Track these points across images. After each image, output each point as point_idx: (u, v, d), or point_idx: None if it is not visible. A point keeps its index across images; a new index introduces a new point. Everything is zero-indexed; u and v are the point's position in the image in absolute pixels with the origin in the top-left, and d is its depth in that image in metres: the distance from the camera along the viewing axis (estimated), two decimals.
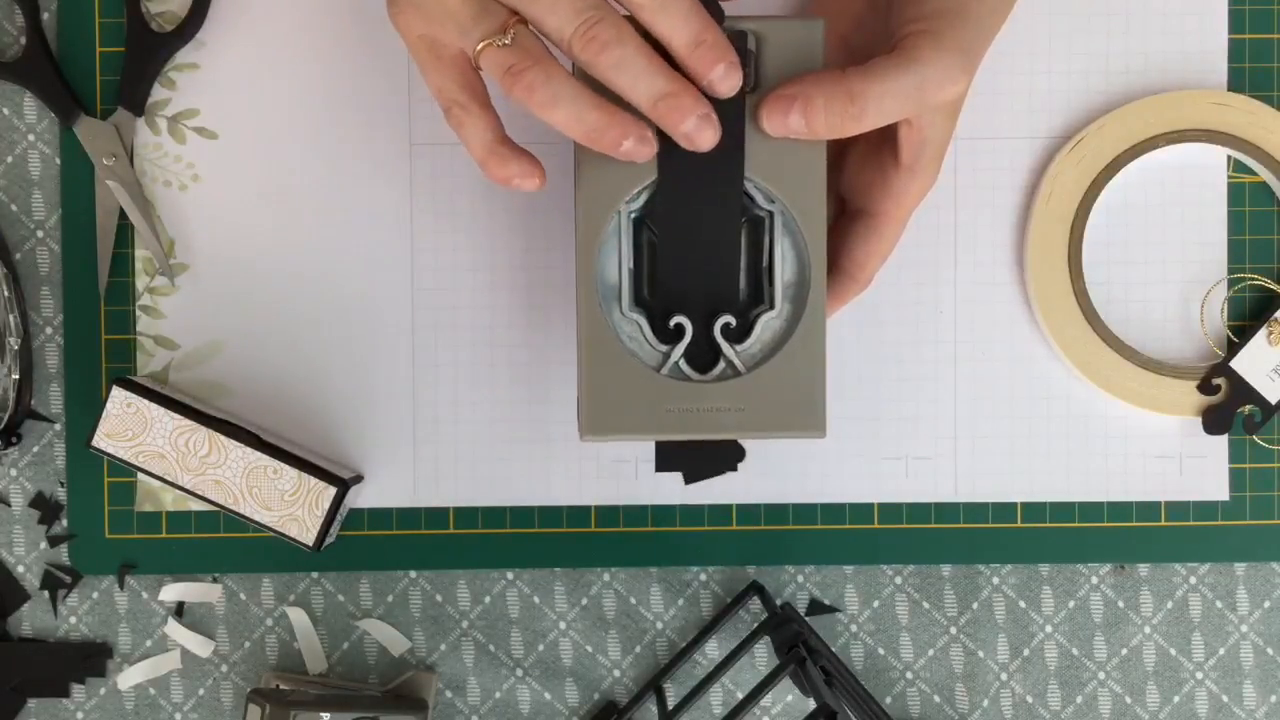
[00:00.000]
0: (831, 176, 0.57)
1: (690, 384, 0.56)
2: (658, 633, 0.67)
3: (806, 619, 0.67)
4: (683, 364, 0.57)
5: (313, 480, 0.63)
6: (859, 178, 0.59)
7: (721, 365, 0.57)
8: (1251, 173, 0.66)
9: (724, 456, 0.59)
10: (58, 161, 0.66)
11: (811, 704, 0.61)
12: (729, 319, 0.57)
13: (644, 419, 0.56)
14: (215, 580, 0.67)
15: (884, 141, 0.57)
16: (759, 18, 0.55)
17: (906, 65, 0.53)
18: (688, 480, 0.60)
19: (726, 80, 0.52)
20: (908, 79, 0.53)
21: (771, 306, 0.57)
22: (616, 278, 0.56)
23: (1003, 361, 0.66)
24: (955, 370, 0.66)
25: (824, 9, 0.61)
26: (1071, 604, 0.67)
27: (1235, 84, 0.66)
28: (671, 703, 0.66)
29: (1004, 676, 0.67)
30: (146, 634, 0.67)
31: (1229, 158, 0.66)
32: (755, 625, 0.65)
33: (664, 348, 0.57)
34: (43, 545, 0.67)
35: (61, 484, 0.67)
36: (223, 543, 0.66)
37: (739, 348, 0.57)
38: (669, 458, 0.59)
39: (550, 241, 0.66)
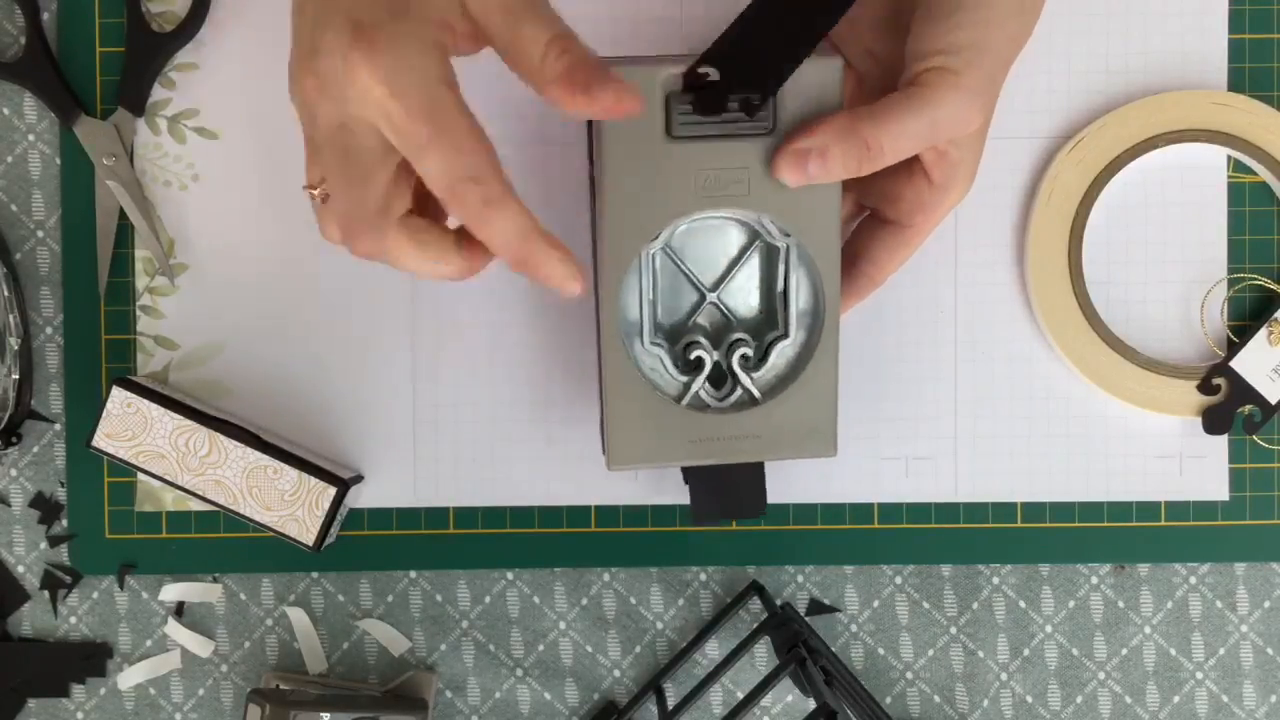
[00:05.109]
0: (851, 183, 0.57)
1: (709, 414, 0.59)
2: (658, 633, 0.67)
3: (806, 619, 0.67)
4: (702, 392, 0.59)
5: (313, 480, 0.63)
6: (888, 190, 0.58)
7: (739, 392, 0.59)
8: (1251, 173, 0.66)
9: (749, 503, 0.61)
10: (58, 161, 0.66)
11: (811, 704, 0.61)
12: (747, 351, 0.59)
13: (666, 448, 0.59)
14: (215, 580, 0.67)
15: (914, 159, 0.56)
16: None
17: (920, 107, 0.53)
18: (713, 520, 0.62)
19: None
20: (921, 121, 0.53)
21: (786, 334, 0.58)
22: (637, 313, 0.58)
23: (1003, 361, 0.66)
24: (955, 370, 0.66)
25: (848, 26, 0.59)
26: (1071, 604, 0.67)
27: (1235, 84, 0.66)
28: (671, 703, 0.66)
29: (1004, 676, 0.67)
30: (146, 634, 0.67)
31: (1229, 158, 0.66)
32: (755, 625, 0.65)
33: (684, 378, 0.59)
34: (43, 545, 0.67)
35: (61, 484, 0.67)
36: (223, 543, 0.66)
37: (755, 375, 0.59)
38: (702, 511, 0.61)
39: None
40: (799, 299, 0.58)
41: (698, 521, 0.61)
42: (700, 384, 0.59)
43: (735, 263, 0.59)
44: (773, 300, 0.59)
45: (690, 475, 0.61)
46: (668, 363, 0.59)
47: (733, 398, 0.59)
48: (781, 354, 0.59)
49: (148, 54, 0.65)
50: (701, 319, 0.60)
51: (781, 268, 0.58)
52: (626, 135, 0.55)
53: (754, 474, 0.61)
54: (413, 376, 0.66)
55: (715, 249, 0.59)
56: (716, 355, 0.59)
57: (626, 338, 0.58)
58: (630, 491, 0.67)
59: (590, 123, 0.57)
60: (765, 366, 0.59)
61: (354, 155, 0.49)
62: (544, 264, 0.49)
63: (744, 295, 0.59)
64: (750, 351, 0.59)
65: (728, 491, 0.61)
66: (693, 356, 0.58)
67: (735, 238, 0.58)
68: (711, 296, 0.59)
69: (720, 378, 0.59)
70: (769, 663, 0.67)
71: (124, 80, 0.65)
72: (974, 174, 0.57)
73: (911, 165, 0.56)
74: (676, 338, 0.59)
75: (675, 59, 0.55)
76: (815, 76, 0.55)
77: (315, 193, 0.52)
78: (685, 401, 0.59)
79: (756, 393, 0.59)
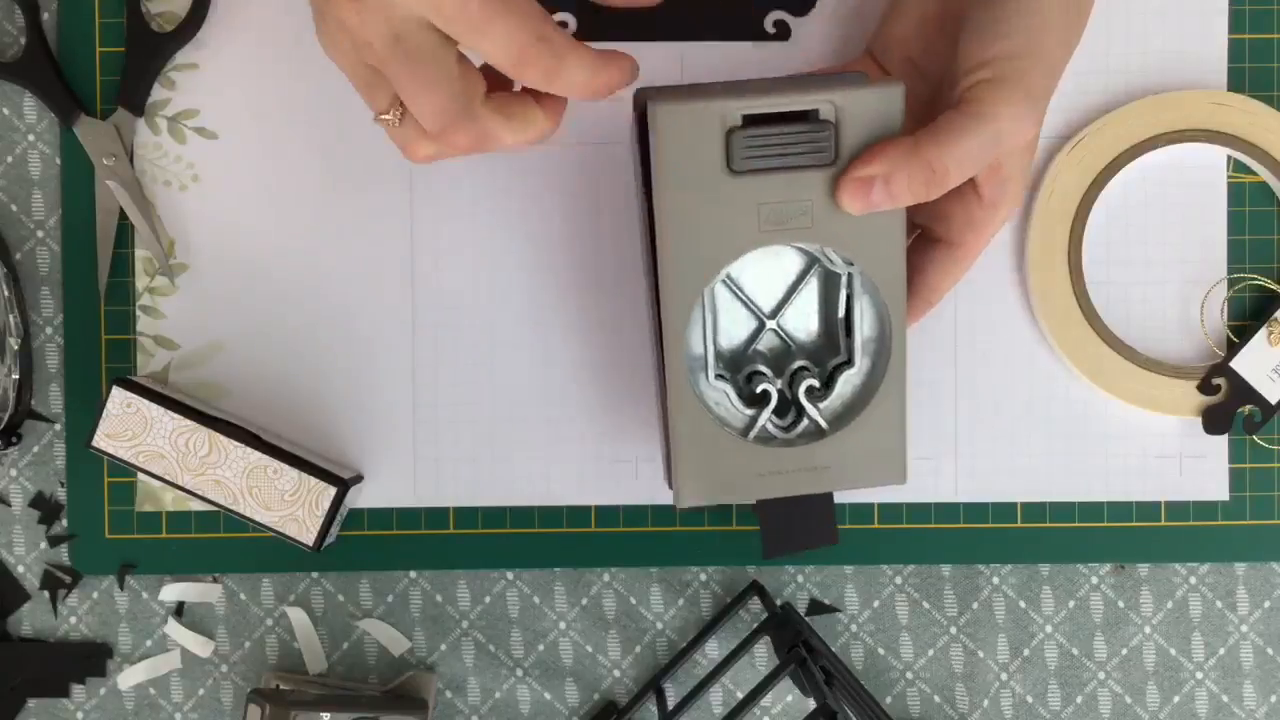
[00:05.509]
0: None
1: (775, 447, 0.57)
2: (658, 633, 0.67)
3: (806, 619, 0.67)
4: (769, 423, 0.58)
5: (313, 480, 0.63)
6: (938, 210, 0.57)
7: (805, 422, 0.58)
8: (1251, 173, 0.66)
9: (819, 531, 0.60)
10: (58, 161, 0.66)
11: (811, 704, 0.61)
12: (813, 382, 0.58)
13: (735, 484, 0.58)
14: (215, 580, 0.67)
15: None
16: (836, 81, 0.54)
17: (977, 124, 0.52)
18: (783, 552, 0.62)
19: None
20: (983, 137, 0.52)
21: (851, 363, 0.57)
22: (701, 348, 0.57)
23: (1003, 361, 0.66)
24: (955, 370, 0.66)
25: (890, 36, 0.60)
26: (1071, 604, 0.67)
27: (1235, 84, 0.66)
28: (671, 703, 0.66)
29: (1004, 676, 0.67)
30: (146, 634, 0.67)
31: (1229, 158, 0.66)
32: (755, 625, 0.65)
33: (749, 411, 0.58)
34: (43, 545, 0.67)
35: (61, 484, 0.67)
36: (223, 543, 0.66)
37: (821, 405, 0.58)
38: (774, 545, 0.60)
39: (551, 240, 0.66)
40: (863, 327, 0.57)
41: (769, 556, 0.60)
42: (766, 417, 0.58)
43: (793, 288, 0.58)
44: (833, 324, 0.58)
45: (760, 509, 0.59)
46: (733, 396, 0.58)
47: (799, 428, 0.58)
48: (847, 382, 0.58)
49: (148, 54, 0.65)
50: (760, 345, 0.59)
51: (843, 295, 0.57)
52: (685, 170, 0.53)
53: (824, 503, 0.59)
54: (413, 376, 0.66)
55: (772, 274, 0.58)
56: (780, 385, 0.58)
57: (691, 373, 0.57)
58: (630, 491, 0.67)
59: (643, 155, 0.55)
60: (831, 395, 0.58)
61: (419, 57, 0.49)
62: (617, 82, 0.51)
63: (803, 320, 0.59)
64: (816, 382, 0.58)
65: (798, 523, 0.59)
66: (758, 390, 0.57)
67: (792, 263, 0.58)
68: (771, 323, 0.58)
69: (784, 406, 0.58)
70: (769, 663, 0.67)
71: (124, 80, 0.65)
72: (1024, 188, 0.56)
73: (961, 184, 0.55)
74: (737, 365, 0.59)
75: (736, 90, 0.54)
76: (876, 104, 0.53)
77: (388, 116, 0.52)
78: (752, 435, 0.58)
79: (824, 423, 0.58)
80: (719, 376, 0.57)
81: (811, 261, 0.57)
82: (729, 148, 0.53)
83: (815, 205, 0.54)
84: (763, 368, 0.58)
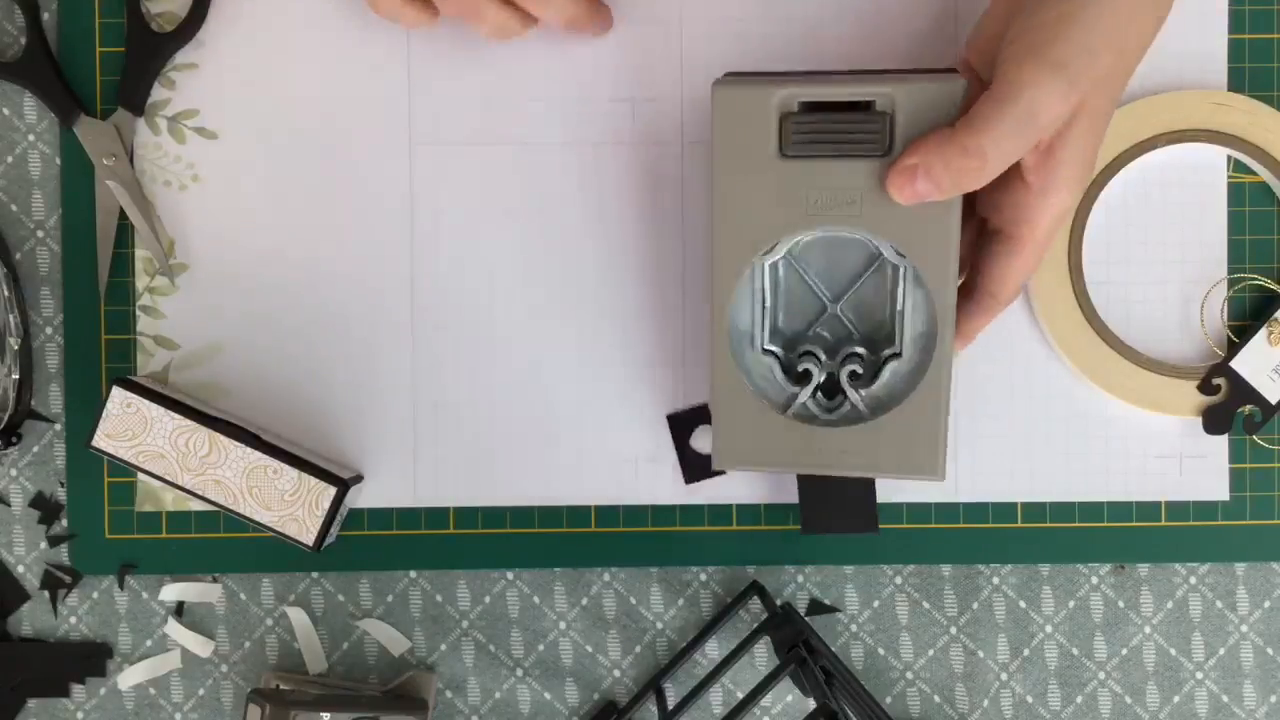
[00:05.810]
0: (973, 194, 0.56)
1: (816, 426, 0.59)
2: (658, 633, 0.67)
3: (806, 619, 0.67)
4: (810, 401, 0.59)
5: (313, 480, 0.63)
6: (992, 199, 0.57)
7: (847, 406, 0.59)
8: (1251, 173, 0.66)
9: (860, 518, 0.63)
10: (58, 161, 0.66)
11: (811, 704, 0.61)
12: (856, 367, 0.59)
13: (770, 454, 0.59)
14: (215, 580, 0.67)
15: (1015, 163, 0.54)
16: (900, 75, 0.55)
17: (1005, 101, 0.51)
18: (820, 530, 0.63)
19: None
20: (1015, 113, 0.51)
21: (900, 354, 0.59)
22: (749, 321, 0.59)
23: (1003, 361, 0.66)
24: (955, 370, 0.66)
25: (977, 46, 0.58)
26: (1071, 604, 0.67)
27: (1235, 84, 0.66)
28: (671, 703, 0.66)
29: (1004, 676, 0.67)
30: (146, 634, 0.67)
31: (1229, 158, 0.66)
32: (755, 625, 0.65)
33: (794, 388, 0.59)
34: (43, 545, 0.67)
35: (61, 484, 0.67)
36: (223, 543, 0.66)
37: (865, 391, 0.59)
38: (811, 522, 0.63)
39: (550, 241, 0.66)
40: (915, 321, 0.58)
41: (806, 531, 0.62)
42: (806, 396, 0.59)
43: (859, 276, 0.59)
44: (892, 316, 0.59)
45: (802, 486, 0.62)
46: (777, 371, 0.59)
47: (841, 411, 0.59)
48: (895, 373, 0.59)
49: (148, 54, 0.65)
50: (824, 330, 0.60)
51: (901, 287, 0.58)
52: (739, 151, 0.56)
53: (865, 490, 0.61)
54: (412, 376, 0.66)
55: (842, 261, 0.59)
56: (829, 368, 0.59)
57: (738, 344, 0.59)
58: (630, 491, 0.67)
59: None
60: (878, 383, 0.59)
61: None
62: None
63: (868, 309, 0.60)
64: (860, 368, 0.59)
65: (838, 506, 0.62)
66: (800, 369, 0.59)
67: (861, 251, 0.59)
68: (833, 309, 0.60)
69: (833, 388, 0.60)
70: (769, 663, 0.67)
71: (124, 80, 0.65)
72: (1081, 178, 0.54)
73: (1009, 169, 0.54)
74: (794, 346, 0.60)
75: (791, 77, 0.56)
76: (935, 98, 0.54)
77: None
78: (791, 412, 0.59)
79: (864, 408, 0.59)
80: (767, 351, 0.59)
81: (879, 253, 0.58)
82: (782, 132, 0.55)
83: (865, 194, 0.56)
84: (815, 349, 0.59)
